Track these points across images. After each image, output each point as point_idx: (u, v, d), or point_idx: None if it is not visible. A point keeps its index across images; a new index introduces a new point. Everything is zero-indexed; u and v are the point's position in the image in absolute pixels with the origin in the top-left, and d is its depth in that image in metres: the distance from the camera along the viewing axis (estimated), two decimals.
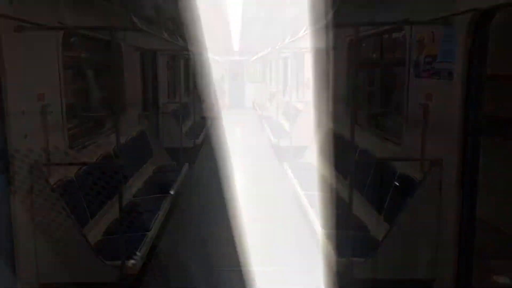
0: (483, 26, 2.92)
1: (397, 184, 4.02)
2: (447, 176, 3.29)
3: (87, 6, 4.49)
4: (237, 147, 11.55)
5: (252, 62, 20.23)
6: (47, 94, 3.66)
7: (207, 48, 14.47)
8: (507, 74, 3.85)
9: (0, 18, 2.92)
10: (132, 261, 3.54)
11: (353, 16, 5.58)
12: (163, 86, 9.76)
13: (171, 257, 4.58)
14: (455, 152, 3.17)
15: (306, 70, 10.04)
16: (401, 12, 4.08)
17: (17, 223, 3.20)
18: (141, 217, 4.53)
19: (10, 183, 3.16)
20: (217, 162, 9.27)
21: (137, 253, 3.67)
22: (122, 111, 6.16)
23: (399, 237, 3.46)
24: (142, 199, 5.20)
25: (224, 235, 5.18)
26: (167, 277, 4.18)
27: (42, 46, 3.62)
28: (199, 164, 9.05)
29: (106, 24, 5.14)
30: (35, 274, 3.45)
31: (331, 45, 6.99)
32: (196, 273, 4.25)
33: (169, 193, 5.28)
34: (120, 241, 3.41)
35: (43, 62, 3.65)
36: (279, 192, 6.97)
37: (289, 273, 4.27)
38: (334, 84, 6.99)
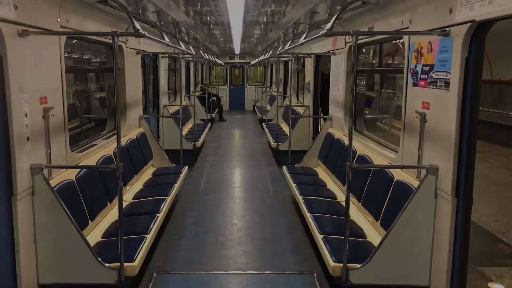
0: (479, 37, 2.97)
1: (394, 190, 4.07)
2: (443, 183, 3.34)
3: (90, 11, 4.54)
4: (237, 150, 11.62)
5: (252, 65, 20.28)
6: (50, 97, 3.71)
7: (208, 51, 14.54)
8: None
9: (4, 23, 2.97)
10: (130, 264, 3.58)
11: (353, 23, 5.64)
12: (163, 88, 9.82)
13: (169, 259, 4.62)
14: (451, 159, 3.22)
15: (306, 75, 10.11)
16: (400, 21, 4.13)
17: (18, 225, 3.25)
18: (140, 219, 4.57)
19: (12, 185, 3.21)
20: (216, 164, 9.33)
21: (136, 255, 3.70)
22: (123, 113, 6.20)
23: (395, 244, 3.50)
24: (142, 202, 5.24)
25: (222, 239, 5.23)
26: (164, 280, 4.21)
27: (45, 50, 3.67)
28: (198, 167, 9.09)
29: (108, 28, 5.19)
30: (35, 275, 3.50)
31: (330, 51, 7.05)
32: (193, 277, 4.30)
33: (168, 196, 5.32)
34: (119, 243, 3.44)
35: (45, 66, 3.69)
36: (277, 196, 7.01)
37: (284, 277, 4.30)
38: (333, 88, 7.04)
